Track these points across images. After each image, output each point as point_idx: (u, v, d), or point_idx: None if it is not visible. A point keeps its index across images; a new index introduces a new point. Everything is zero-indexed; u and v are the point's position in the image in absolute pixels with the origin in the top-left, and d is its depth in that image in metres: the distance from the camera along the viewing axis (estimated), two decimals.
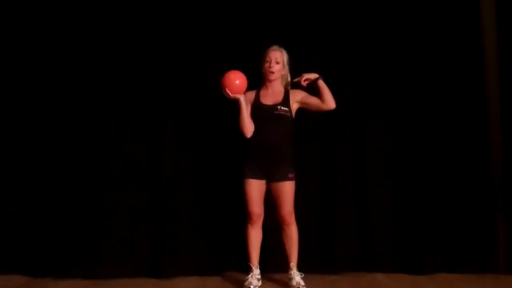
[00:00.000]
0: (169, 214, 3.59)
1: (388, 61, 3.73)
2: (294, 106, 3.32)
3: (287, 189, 3.25)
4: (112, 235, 3.55)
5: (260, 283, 3.28)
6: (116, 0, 3.69)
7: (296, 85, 3.37)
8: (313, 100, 3.29)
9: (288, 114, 3.28)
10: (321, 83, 3.26)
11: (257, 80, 3.38)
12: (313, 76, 3.26)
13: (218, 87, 3.25)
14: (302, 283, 3.22)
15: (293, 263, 3.28)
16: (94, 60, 3.66)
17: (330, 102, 3.26)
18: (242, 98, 3.25)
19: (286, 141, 3.30)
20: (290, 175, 3.27)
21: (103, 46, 3.66)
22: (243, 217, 3.34)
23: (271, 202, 3.32)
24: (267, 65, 3.29)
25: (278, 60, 3.29)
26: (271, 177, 3.27)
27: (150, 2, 3.71)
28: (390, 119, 3.71)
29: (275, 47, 3.32)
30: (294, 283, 3.22)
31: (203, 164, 3.66)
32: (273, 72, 3.29)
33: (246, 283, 3.22)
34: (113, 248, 3.55)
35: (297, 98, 3.31)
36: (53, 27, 3.68)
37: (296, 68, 3.45)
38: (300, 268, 3.30)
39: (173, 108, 3.66)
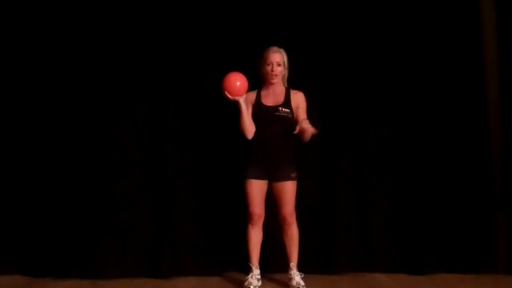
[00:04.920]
0: (169, 214, 3.59)
1: (388, 60, 3.72)
2: (294, 107, 3.31)
3: (289, 189, 3.26)
4: (112, 235, 3.56)
5: (260, 283, 3.29)
6: (117, 1, 3.70)
7: (296, 86, 3.39)
8: (299, 116, 3.25)
9: (290, 115, 3.28)
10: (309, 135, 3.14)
11: (257, 80, 3.38)
12: (310, 132, 3.10)
13: (219, 86, 3.25)
14: (302, 283, 3.23)
15: (293, 263, 3.29)
16: (95, 59, 3.65)
17: (305, 140, 3.18)
18: (242, 100, 3.25)
19: (288, 141, 3.29)
20: (293, 175, 3.27)
21: (104, 45, 3.66)
22: (244, 217, 3.34)
23: (271, 202, 3.33)
24: (269, 68, 3.28)
25: (279, 62, 3.29)
26: (274, 177, 3.27)
27: (150, 2, 3.70)
28: (390, 119, 3.71)
29: (274, 48, 3.31)
30: (294, 283, 3.22)
31: (204, 164, 3.66)
32: (276, 75, 3.29)
33: (246, 283, 3.23)
34: (113, 248, 3.55)
35: (297, 102, 3.30)
36: (55, 27, 3.67)
37: (295, 68, 3.46)
38: (300, 268, 3.30)
39: (173, 108, 3.66)
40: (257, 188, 3.27)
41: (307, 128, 3.07)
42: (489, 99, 3.71)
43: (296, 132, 3.11)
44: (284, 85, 3.39)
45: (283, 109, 3.26)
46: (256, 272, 3.28)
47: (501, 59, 3.71)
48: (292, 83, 3.42)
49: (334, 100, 3.69)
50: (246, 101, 3.29)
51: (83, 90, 3.65)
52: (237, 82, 3.22)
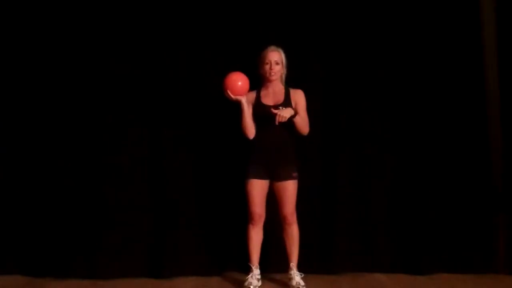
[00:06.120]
0: (169, 214, 3.59)
1: (388, 59, 3.72)
2: (294, 105, 3.31)
3: (290, 188, 3.26)
4: (112, 235, 3.56)
5: (260, 283, 3.29)
6: (117, 1, 3.69)
7: (296, 83, 3.40)
8: (300, 114, 3.27)
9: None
10: (295, 119, 3.22)
11: (257, 80, 3.38)
12: (287, 114, 3.18)
13: (219, 86, 3.25)
14: (302, 283, 3.23)
15: (293, 263, 3.29)
16: (95, 59, 3.65)
17: (302, 132, 3.29)
18: (244, 100, 3.26)
19: (288, 141, 3.30)
20: (294, 174, 3.28)
21: (103, 45, 3.66)
22: (243, 217, 3.34)
23: (272, 202, 3.33)
24: (267, 67, 3.28)
25: (277, 61, 3.29)
26: (275, 176, 3.27)
27: (150, 3, 3.70)
28: (391, 119, 3.71)
29: (272, 47, 3.32)
30: (294, 283, 3.22)
31: (204, 164, 3.66)
32: (274, 74, 3.29)
33: (246, 283, 3.23)
34: (113, 248, 3.55)
35: (296, 100, 3.31)
36: (55, 27, 3.67)
37: (295, 66, 3.48)
38: (300, 268, 3.30)
39: (173, 107, 3.66)
40: (258, 188, 3.27)
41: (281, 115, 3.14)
42: (489, 99, 3.71)
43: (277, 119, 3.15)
44: (282, 84, 3.38)
45: (284, 109, 3.26)
46: (256, 272, 3.28)
47: (501, 59, 3.70)
48: (292, 80, 3.42)
49: (334, 99, 3.69)
50: (246, 101, 3.29)
51: (85, 92, 3.64)
52: (238, 82, 3.22)
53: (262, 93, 3.36)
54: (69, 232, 3.57)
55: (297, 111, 3.26)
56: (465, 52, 3.70)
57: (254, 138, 3.31)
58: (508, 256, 3.60)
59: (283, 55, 3.33)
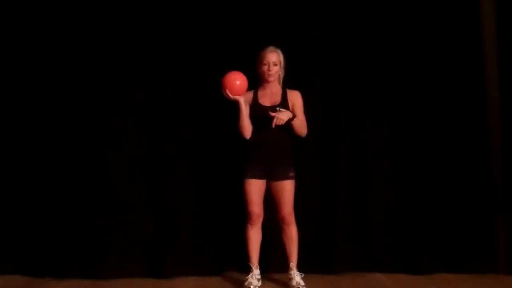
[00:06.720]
0: (169, 214, 3.59)
1: (388, 59, 3.71)
2: (291, 106, 3.31)
3: (288, 188, 3.26)
4: (112, 235, 3.56)
5: (260, 283, 3.29)
6: (117, 1, 3.69)
7: (295, 84, 3.40)
8: (298, 116, 3.28)
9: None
10: (293, 121, 3.23)
11: (256, 80, 3.38)
12: (285, 117, 3.18)
13: (218, 86, 3.26)
14: (302, 283, 3.22)
15: (293, 263, 3.29)
16: (95, 59, 3.65)
17: (300, 133, 3.30)
18: (242, 100, 3.26)
19: (286, 141, 3.30)
20: (291, 174, 3.28)
21: (104, 45, 3.66)
22: (243, 217, 3.34)
23: (270, 202, 3.33)
24: (265, 67, 3.28)
25: (275, 62, 3.29)
26: (272, 176, 3.27)
27: (150, 3, 3.70)
28: (390, 119, 3.71)
29: (271, 48, 3.32)
30: (294, 283, 3.22)
31: (203, 164, 3.66)
32: (272, 75, 3.30)
33: (246, 283, 3.23)
34: (113, 248, 3.55)
35: (293, 100, 3.32)
36: (55, 25, 3.67)
37: (294, 66, 3.48)
38: (300, 268, 3.30)
39: (173, 107, 3.66)
40: (256, 188, 3.27)
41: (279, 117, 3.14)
42: (489, 98, 3.71)
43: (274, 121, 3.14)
44: (280, 84, 3.39)
45: (281, 109, 3.26)
46: (256, 272, 3.28)
47: (501, 59, 3.70)
48: (292, 81, 3.42)
49: (334, 99, 3.69)
50: (244, 101, 3.29)
51: (86, 92, 3.64)
52: (237, 81, 3.23)
53: (260, 93, 3.36)
54: (69, 232, 3.56)
55: (294, 112, 3.26)
56: (465, 52, 3.70)
57: (252, 138, 3.31)
58: (508, 256, 3.59)
59: (281, 56, 3.33)
